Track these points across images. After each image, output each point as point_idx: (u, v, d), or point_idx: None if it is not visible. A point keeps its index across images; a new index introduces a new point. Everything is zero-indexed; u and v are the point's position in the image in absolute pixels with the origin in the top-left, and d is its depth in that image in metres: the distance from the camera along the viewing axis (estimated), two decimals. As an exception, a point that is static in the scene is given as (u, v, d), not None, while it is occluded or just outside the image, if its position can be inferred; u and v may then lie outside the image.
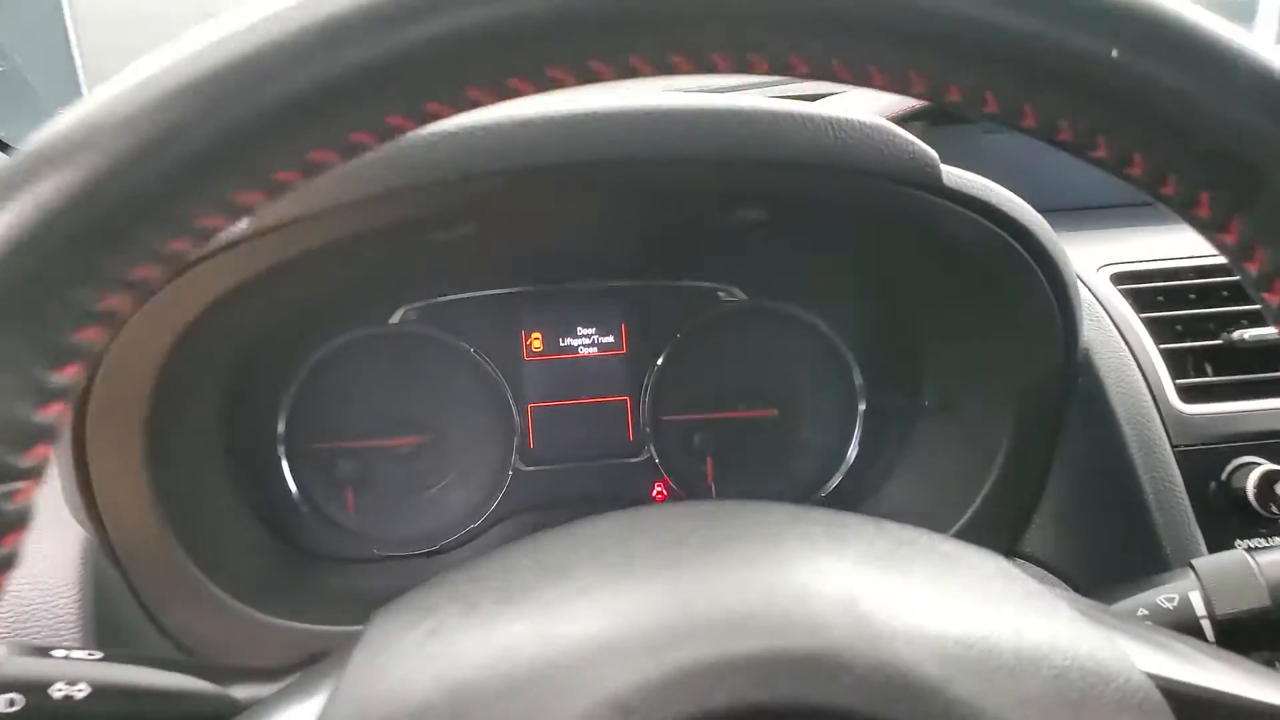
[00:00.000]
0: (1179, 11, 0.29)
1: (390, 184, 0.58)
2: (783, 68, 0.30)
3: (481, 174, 0.59)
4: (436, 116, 0.30)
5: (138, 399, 0.67)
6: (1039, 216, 0.73)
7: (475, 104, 0.30)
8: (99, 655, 0.49)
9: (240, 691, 0.50)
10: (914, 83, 0.30)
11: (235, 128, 0.27)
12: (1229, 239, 0.31)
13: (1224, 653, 0.38)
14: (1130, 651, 0.33)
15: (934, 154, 0.66)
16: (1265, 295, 0.32)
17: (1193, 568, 0.52)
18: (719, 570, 0.33)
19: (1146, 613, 0.51)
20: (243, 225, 0.60)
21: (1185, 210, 0.31)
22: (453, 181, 0.59)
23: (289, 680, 0.40)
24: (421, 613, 0.34)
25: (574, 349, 0.99)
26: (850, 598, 0.32)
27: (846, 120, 0.62)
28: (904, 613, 0.31)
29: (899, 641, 0.30)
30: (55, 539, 0.71)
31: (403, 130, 0.30)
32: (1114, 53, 0.28)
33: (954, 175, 0.67)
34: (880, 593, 0.32)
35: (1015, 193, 0.73)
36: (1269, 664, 0.45)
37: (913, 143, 0.65)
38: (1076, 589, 0.79)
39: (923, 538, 0.37)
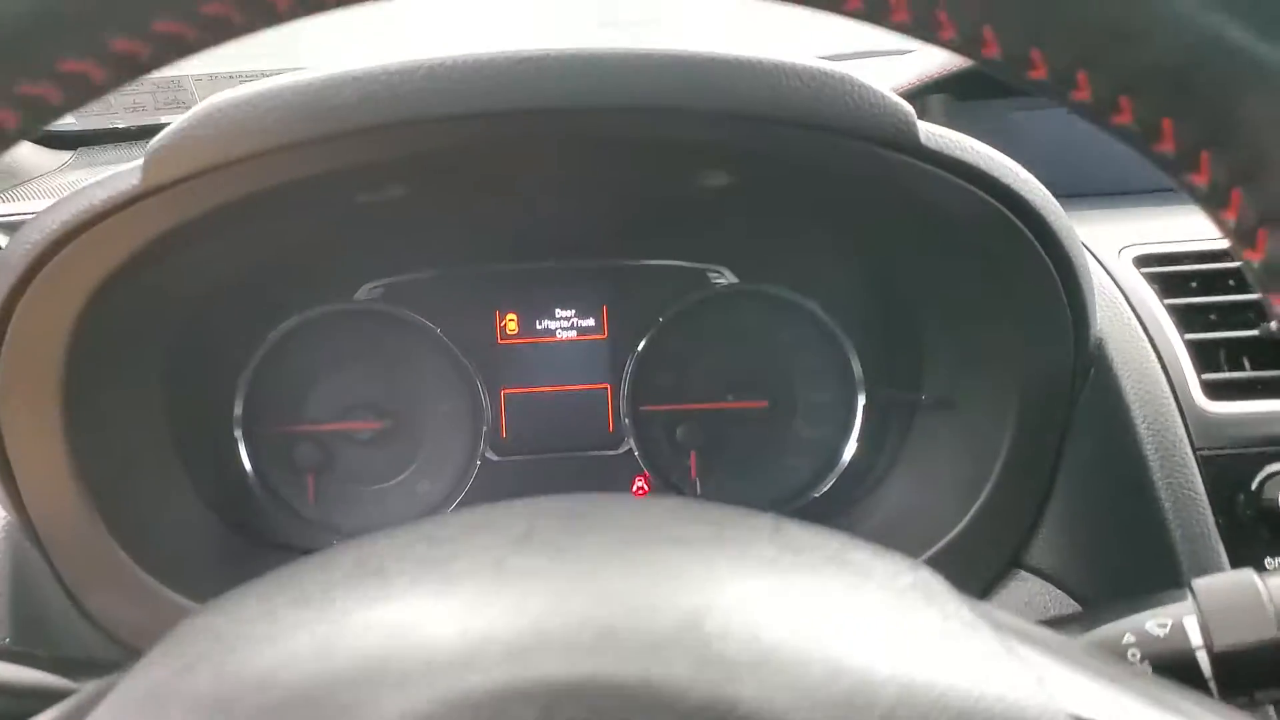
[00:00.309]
0: None
1: (282, 138, 0.52)
2: None
3: (379, 125, 0.53)
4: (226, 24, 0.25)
5: (52, 364, 0.63)
6: (1039, 184, 0.65)
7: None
8: None
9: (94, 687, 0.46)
10: None
11: None
12: (1200, 180, 0.25)
13: (1203, 698, 0.31)
14: (1062, 691, 0.26)
15: (908, 108, 0.58)
16: (1246, 253, 0.25)
17: (1191, 589, 0.44)
18: (547, 577, 0.28)
19: (1134, 639, 0.44)
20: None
21: (1147, 145, 0.26)
22: (354, 133, 0.53)
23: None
24: (222, 617, 0.31)
25: (551, 332, 0.93)
26: (697, 614, 0.26)
27: (805, 67, 0.54)
28: (762, 635, 0.25)
29: (743, 670, 0.24)
30: (-28, 517, 0.67)
31: (171, 48, 0.26)
32: None
33: (934, 134, 0.59)
34: (739, 610, 0.26)
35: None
36: (1275, 703, 0.37)
37: (882, 94, 0.57)
38: (1082, 607, 0.71)
39: (832, 543, 0.31)
